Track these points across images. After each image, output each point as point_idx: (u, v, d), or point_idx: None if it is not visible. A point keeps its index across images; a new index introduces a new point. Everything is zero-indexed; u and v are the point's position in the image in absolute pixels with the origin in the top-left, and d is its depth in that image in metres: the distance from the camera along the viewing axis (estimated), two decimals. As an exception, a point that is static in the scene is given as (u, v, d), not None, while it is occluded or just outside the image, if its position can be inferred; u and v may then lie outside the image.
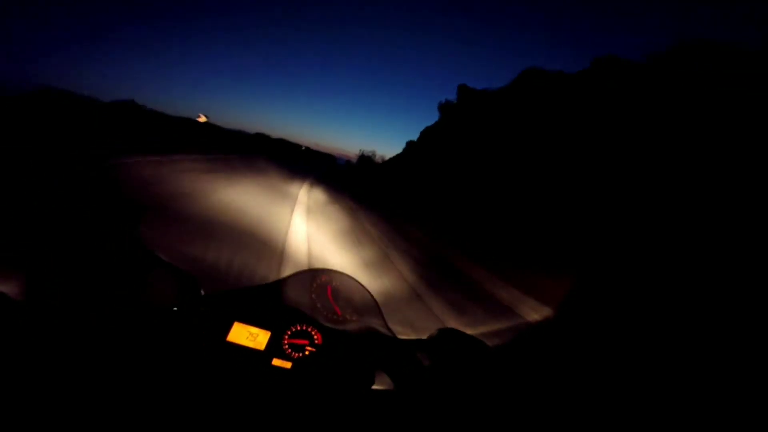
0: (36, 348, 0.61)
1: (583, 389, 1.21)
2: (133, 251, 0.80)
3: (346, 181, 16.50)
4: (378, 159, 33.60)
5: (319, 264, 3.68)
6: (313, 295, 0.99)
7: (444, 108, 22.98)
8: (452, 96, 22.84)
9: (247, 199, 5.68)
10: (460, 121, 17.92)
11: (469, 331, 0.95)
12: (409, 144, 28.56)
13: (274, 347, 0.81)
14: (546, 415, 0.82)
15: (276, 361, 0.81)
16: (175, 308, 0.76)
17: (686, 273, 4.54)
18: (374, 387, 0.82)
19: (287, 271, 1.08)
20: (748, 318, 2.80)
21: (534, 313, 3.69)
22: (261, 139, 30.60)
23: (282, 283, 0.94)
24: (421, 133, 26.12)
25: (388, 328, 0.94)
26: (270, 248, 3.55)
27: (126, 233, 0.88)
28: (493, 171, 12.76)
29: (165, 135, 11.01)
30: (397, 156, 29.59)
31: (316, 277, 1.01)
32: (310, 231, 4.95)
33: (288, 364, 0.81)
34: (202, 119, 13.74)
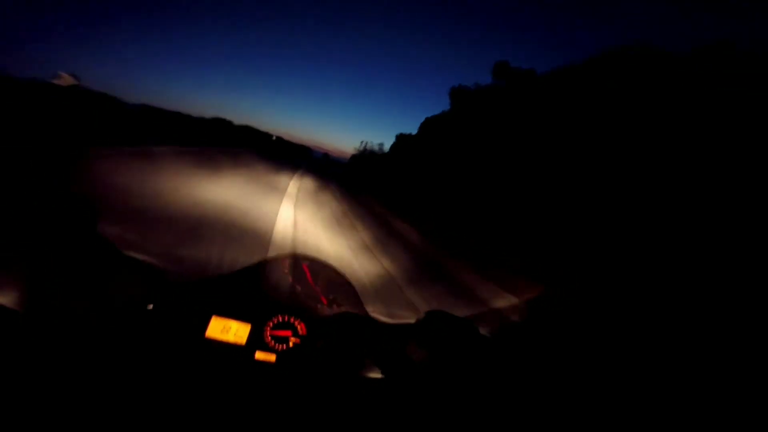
0: (20, 353, 0.58)
1: (563, 384, 1.13)
2: (94, 249, 0.71)
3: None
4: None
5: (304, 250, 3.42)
6: (291, 278, 0.93)
7: (457, 94, 18.19)
8: (457, 83, 18.59)
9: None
10: (496, 107, 13.14)
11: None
12: (399, 137, 24.57)
13: (256, 340, 0.77)
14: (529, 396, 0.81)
15: (259, 355, 0.77)
16: (150, 306, 0.70)
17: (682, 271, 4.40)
18: (363, 375, 0.79)
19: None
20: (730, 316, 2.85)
21: (510, 308, 3.39)
22: (219, 124, 24.09)
23: (258, 269, 0.88)
24: (422, 125, 21.44)
25: (367, 313, 0.90)
26: (251, 236, 3.34)
27: (84, 231, 0.76)
28: (536, 167, 9.54)
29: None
30: (390, 149, 25.63)
31: (292, 260, 0.97)
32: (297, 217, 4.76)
33: (272, 357, 0.77)
34: (65, 81, 7.94)
